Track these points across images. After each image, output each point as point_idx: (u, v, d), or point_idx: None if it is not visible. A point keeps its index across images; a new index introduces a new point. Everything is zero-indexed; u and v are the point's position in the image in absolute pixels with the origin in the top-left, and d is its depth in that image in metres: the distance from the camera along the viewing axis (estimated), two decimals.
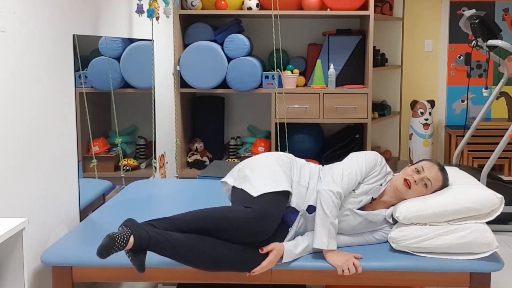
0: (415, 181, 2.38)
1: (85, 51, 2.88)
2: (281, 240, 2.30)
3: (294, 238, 2.34)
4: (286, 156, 2.52)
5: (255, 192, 2.27)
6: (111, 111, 3.31)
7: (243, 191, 2.32)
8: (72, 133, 2.70)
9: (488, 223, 2.30)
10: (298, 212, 2.36)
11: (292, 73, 4.79)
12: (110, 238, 2.02)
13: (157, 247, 2.11)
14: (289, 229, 2.36)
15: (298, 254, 2.26)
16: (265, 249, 2.20)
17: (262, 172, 2.37)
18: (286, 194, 2.33)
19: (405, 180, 2.39)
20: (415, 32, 5.66)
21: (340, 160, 2.50)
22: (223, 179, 2.50)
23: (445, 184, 2.44)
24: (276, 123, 4.65)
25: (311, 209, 2.35)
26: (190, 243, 2.14)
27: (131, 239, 2.06)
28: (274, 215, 2.22)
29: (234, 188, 2.40)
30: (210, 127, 5.27)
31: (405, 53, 5.67)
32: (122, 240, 2.04)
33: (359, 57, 4.93)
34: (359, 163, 2.41)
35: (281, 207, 2.29)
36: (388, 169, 2.50)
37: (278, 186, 2.29)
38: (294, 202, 2.37)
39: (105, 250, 2.00)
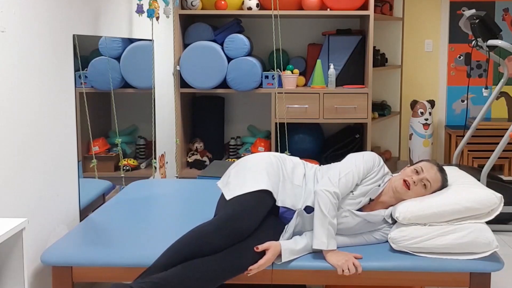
0: (414, 182, 2.38)
1: (85, 51, 2.88)
2: (277, 238, 2.29)
3: (292, 238, 2.34)
4: (275, 157, 2.51)
5: (229, 195, 2.31)
6: (111, 111, 3.31)
7: (222, 195, 2.37)
8: (72, 133, 2.70)
9: (488, 223, 2.31)
10: (294, 211, 2.36)
11: (292, 73, 4.79)
12: None
13: None
14: (286, 227, 2.37)
15: (297, 253, 2.26)
16: (261, 247, 2.19)
17: (243, 174, 2.39)
18: (266, 193, 2.32)
19: (404, 181, 2.39)
20: (415, 32, 5.65)
21: (340, 160, 2.50)
22: (218, 182, 2.52)
23: (444, 184, 2.45)
24: (276, 123, 4.65)
25: (309, 210, 2.35)
26: (177, 274, 2.07)
27: None
28: (244, 213, 2.21)
29: None
30: (210, 127, 5.27)
31: (405, 53, 5.67)
32: None
33: (359, 57, 4.93)
34: (357, 164, 2.40)
35: (256, 204, 2.27)
36: (386, 169, 2.49)
37: (253, 187, 2.30)
38: (289, 202, 2.37)
39: None
